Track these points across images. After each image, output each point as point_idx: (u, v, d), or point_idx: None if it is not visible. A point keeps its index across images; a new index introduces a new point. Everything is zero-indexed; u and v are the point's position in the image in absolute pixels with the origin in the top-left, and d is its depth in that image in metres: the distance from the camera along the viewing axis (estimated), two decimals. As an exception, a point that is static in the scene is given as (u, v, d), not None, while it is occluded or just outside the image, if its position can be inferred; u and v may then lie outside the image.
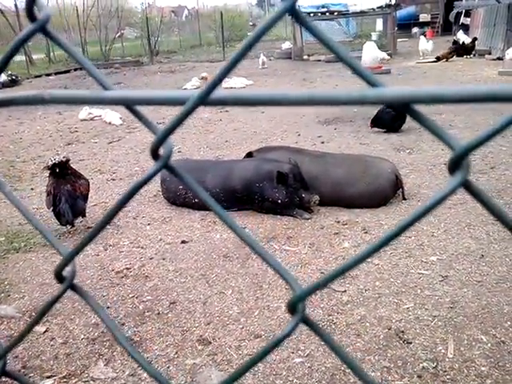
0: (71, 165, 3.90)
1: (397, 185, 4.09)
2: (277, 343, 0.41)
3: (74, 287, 0.51)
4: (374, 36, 20.04)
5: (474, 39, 14.33)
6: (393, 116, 6.02)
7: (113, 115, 8.01)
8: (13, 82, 13.93)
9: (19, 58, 17.14)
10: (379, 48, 12.99)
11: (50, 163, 3.71)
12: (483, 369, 2.15)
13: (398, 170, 4.20)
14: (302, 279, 2.98)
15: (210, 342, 2.46)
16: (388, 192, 4.06)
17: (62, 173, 3.73)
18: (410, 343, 2.35)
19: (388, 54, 13.96)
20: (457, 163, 0.32)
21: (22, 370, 2.31)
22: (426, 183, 4.45)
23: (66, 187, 3.69)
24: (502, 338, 2.34)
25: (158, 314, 2.73)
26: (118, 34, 23.07)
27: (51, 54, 20.06)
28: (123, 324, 2.64)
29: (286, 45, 19.24)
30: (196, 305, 2.79)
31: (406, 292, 2.79)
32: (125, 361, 2.34)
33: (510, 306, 2.58)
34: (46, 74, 16.75)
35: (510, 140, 5.41)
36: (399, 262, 3.12)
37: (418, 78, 10.84)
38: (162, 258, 3.38)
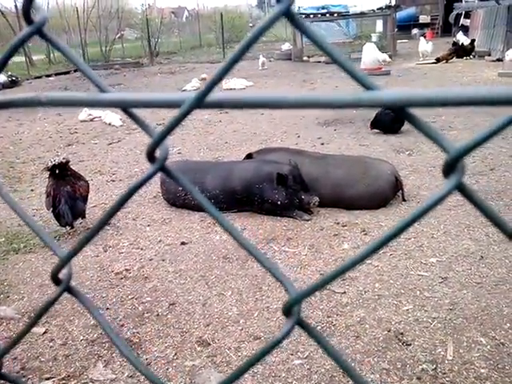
0: (71, 166, 3.91)
1: (396, 186, 4.09)
2: (272, 347, 0.41)
3: (70, 290, 0.51)
4: (374, 37, 20.02)
5: (473, 41, 14.34)
6: (392, 117, 6.02)
7: (113, 116, 8.01)
8: (13, 83, 13.95)
9: (19, 59, 17.19)
10: (379, 49, 12.99)
11: (50, 164, 3.71)
12: (482, 371, 2.15)
13: (397, 171, 4.20)
14: (302, 280, 2.98)
15: (210, 344, 2.46)
16: (388, 193, 4.06)
17: (61, 174, 3.73)
18: (410, 345, 2.35)
19: (388, 56, 13.96)
20: (452, 166, 0.32)
21: (21, 372, 2.31)
22: (425, 184, 4.45)
23: (66, 188, 3.69)
24: (502, 340, 2.34)
25: (158, 315, 2.73)
26: (118, 35, 23.10)
27: (51, 55, 20.08)
28: (122, 325, 2.64)
29: (286, 46, 19.25)
30: (195, 306, 2.79)
31: (405, 294, 2.79)
32: (124, 362, 2.34)
33: (510, 308, 2.58)
34: (45, 75, 16.76)
35: (509, 141, 5.41)
36: (399, 263, 3.12)
37: (418, 80, 10.84)
38: (161, 260, 3.38)
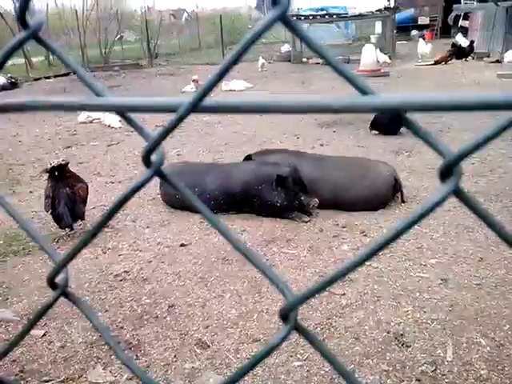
0: (70, 168, 3.90)
1: (396, 188, 4.09)
2: (269, 352, 0.41)
3: (66, 294, 0.51)
4: (373, 39, 20.04)
5: (472, 42, 14.36)
6: (391, 119, 6.02)
7: (112, 118, 7.99)
8: (12, 85, 13.96)
9: (19, 61, 17.18)
10: (379, 51, 13.00)
11: (49, 166, 3.71)
12: (482, 372, 2.15)
13: (397, 172, 4.20)
14: (301, 282, 2.98)
15: (209, 346, 2.45)
16: (387, 195, 4.06)
17: (61, 176, 3.73)
18: (409, 346, 2.34)
19: (387, 57, 13.97)
20: (448, 171, 0.32)
21: (20, 374, 2.30)
22: (424, 186, 4.45)
23: (65, 190, 3.68)
24: (501, 341, 2.33)
25: (157, 317, 2.72)
26: (118, 36, 23.09)
27: (50, 57, 20.07)
28: (121, 327, 2.63)
29: (285, 47, 19.23)
30: (195, 308, 2.79)
31: (404, 295, 2.79)
32: (123, 365, 2.33)
33: (509, 309, 2.58)
34: (45, 77, 16.75)
35: (509, 143, 5.41)
36: (398, 264, 3.12)
37: (417, 81, 10.85)
38: (160, 261, 3.38)
